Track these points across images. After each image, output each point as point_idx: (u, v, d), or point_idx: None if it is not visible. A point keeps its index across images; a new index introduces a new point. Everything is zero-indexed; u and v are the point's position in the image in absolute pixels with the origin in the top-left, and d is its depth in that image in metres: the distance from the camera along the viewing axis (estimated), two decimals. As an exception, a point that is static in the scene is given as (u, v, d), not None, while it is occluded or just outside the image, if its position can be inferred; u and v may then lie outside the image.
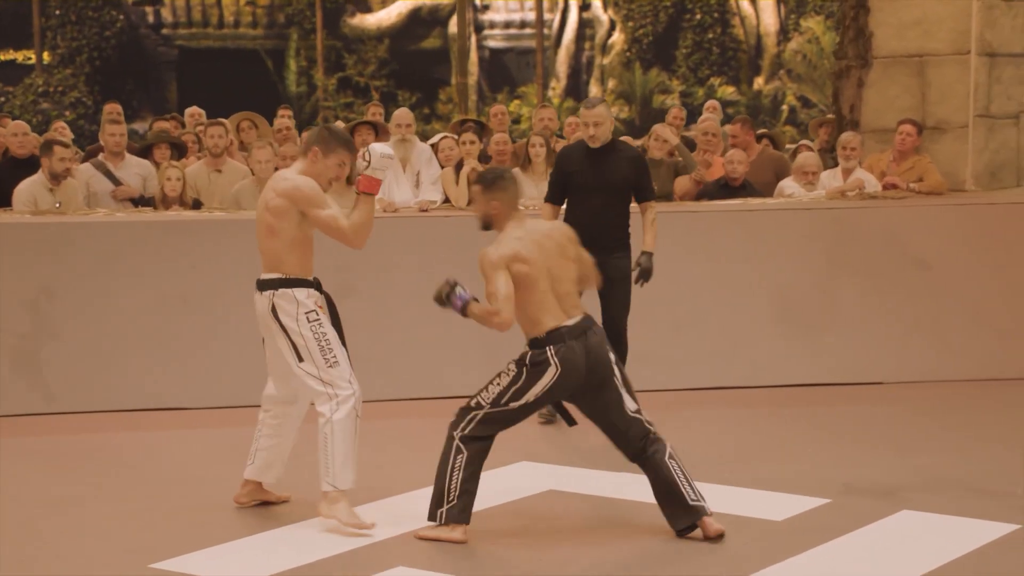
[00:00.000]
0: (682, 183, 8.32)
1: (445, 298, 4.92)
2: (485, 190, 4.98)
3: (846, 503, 5.28)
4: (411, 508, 5.23)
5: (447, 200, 7.96)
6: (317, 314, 4.90)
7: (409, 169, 7.94)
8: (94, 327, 7.11)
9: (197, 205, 7.81)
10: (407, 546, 4.81)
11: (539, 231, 5.00)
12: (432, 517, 4.87)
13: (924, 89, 8.75)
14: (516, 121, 17.71)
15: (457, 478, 4.86)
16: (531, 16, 20.50)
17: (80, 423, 6.80)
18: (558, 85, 20.78)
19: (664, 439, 4.95)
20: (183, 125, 9.32)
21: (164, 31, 20.54)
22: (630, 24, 20.64)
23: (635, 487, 5.50)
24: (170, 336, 7.18)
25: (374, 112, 9.80)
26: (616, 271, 6.46)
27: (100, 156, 8.12)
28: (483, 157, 8.90)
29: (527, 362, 4.85)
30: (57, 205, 7.49)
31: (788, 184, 8.47)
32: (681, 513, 4.86)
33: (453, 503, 4.86)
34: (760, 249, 7.76)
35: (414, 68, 20.14)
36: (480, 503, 5.27)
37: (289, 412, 5.16)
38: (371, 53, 19.92)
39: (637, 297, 7.35)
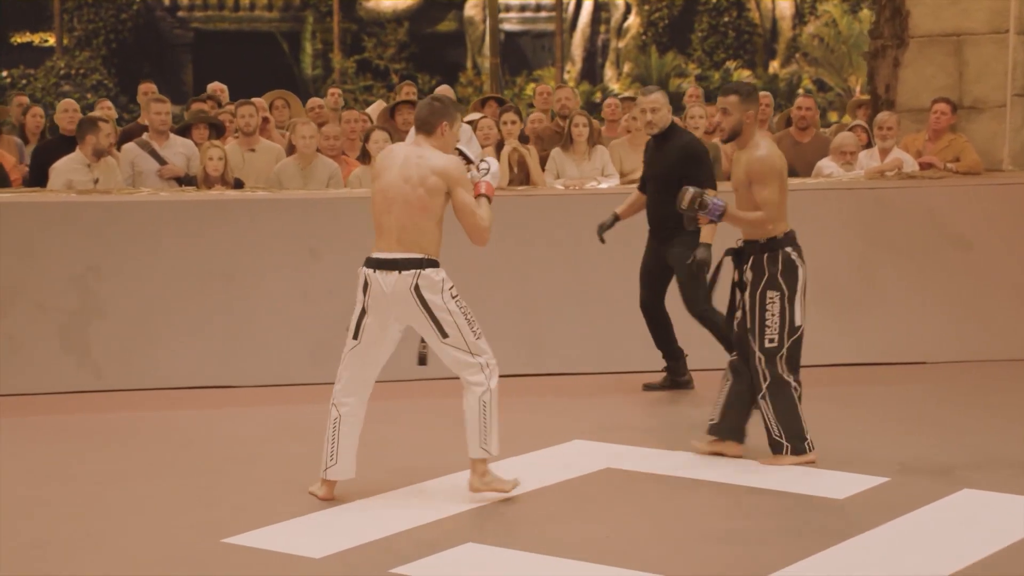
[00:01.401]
0: None
1: (698, 205, 5.27)
2: (743, 100, 5.39)
3: (905, 482, 5.27)
4: (466, 486, 5.21)
5: (488, 179, 7.95)
6: (456, 290, 4.94)
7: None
8: (141, 305, 7.12)
9: (239, 184, 7.81)
10: (474, 523, 4.82)
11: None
12: (799, 451, 5.45)
13: (961, 68, 8.74)
14: (532, 105, 17.70)
15: (801, 411, 5.43)
16: (547, -1, 20.49)
17: (129, 400, 6.81)
18: (573, 68, 20.76)
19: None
20: (220, 105, 9.31)
21: (180, 14, 20.51)
22: (646, 7, 20.62)
23: (691, 464, 5.53)
24: (216, 314, 7.19)
25: (408, 92, 9.78)
26: (670, 257, 6.59)
27: (145, 135, 8.13)
28: (520, 137, 8.90)
29: (780, 270, 5.36)
30: (95, 182, 7.50)
31: (826, 164, 8.47)
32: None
33: (808, 432, 5.46)
34: (799, 229, 7.56)
35: (431, 51, 20.12)
36: (537, 481, 5.31)
37: (359, 405, 5.11)
38: (391, 36, 19.89)
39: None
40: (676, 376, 6.92)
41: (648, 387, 6.95)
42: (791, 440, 5.45)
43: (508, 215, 7.55)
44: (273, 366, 7.18)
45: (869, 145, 8.71)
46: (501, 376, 7.01)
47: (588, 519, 4.89)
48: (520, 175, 8.01)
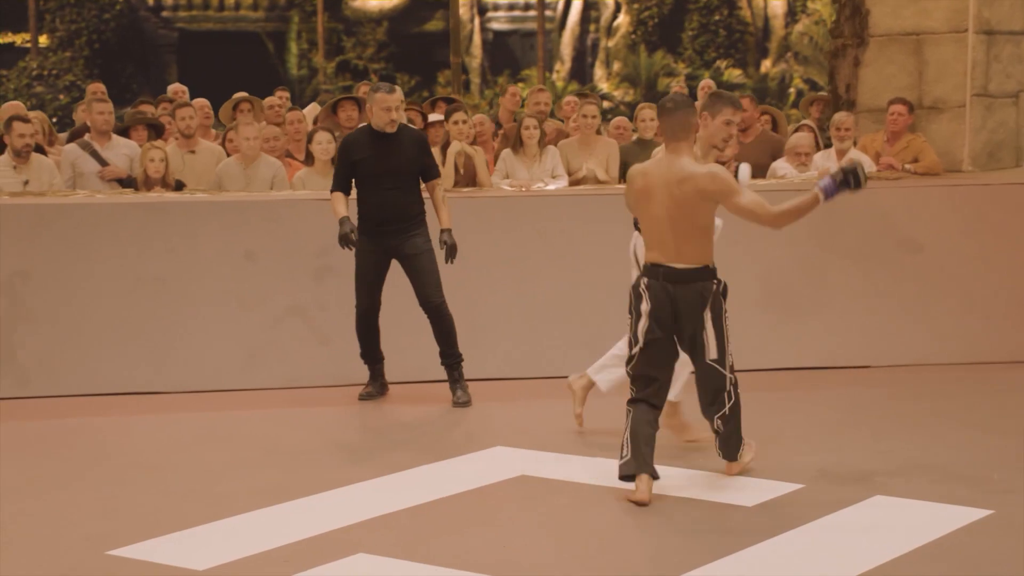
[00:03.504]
0: None
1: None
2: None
3: (819, 488, 5.18)
4: (373, 495, 5.15)
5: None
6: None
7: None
8: (70, 310, 7.02)
9: (180, 186, 7.72)
10: (369, 533, 4.71)
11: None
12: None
13: (921, 68, 8.58)
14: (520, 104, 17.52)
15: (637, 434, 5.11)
16: (535, -2, 20.33)
17: (55, 408, 6.71)
18: (562, 67, 20.61)
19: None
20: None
21: (164, 14, 20.42)
22: (635, 6, 20.43)
23: (605, 472, 5.40)
24: (148, 319, 7.08)
25: (364, 91, 9.67)
26: (413, 248, 6.56)
27: (87, 136, 8.04)
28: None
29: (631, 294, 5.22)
30: (25, 183, 7.40)
31: (781, 165, 8.33)
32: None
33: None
34: (749, 231, 7.51)
35: (415, 50, 19.97)
36: (449, 488, 5.23)
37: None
38: (369, 36, 19.76)
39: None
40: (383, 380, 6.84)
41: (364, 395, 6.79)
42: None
43: (455, 214, 7.44)
44: (204, 371, 7.07)
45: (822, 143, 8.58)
46: (433, 381, 6.96)
47: (488, 528, 4.78)
48: (466, 176, 7.89)
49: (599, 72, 20.59)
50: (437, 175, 6.73)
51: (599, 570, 4.37)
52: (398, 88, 6.55)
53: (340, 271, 7.23)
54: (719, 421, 5.25)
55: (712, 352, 5.17)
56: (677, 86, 11.19)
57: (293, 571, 4.31)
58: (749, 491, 5.14)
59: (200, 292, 7.14)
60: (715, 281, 5.19)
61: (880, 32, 8.65)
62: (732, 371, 5.24)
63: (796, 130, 8.75)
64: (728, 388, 5.22)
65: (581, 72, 20.70)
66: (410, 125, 7.01)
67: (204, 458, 5.77)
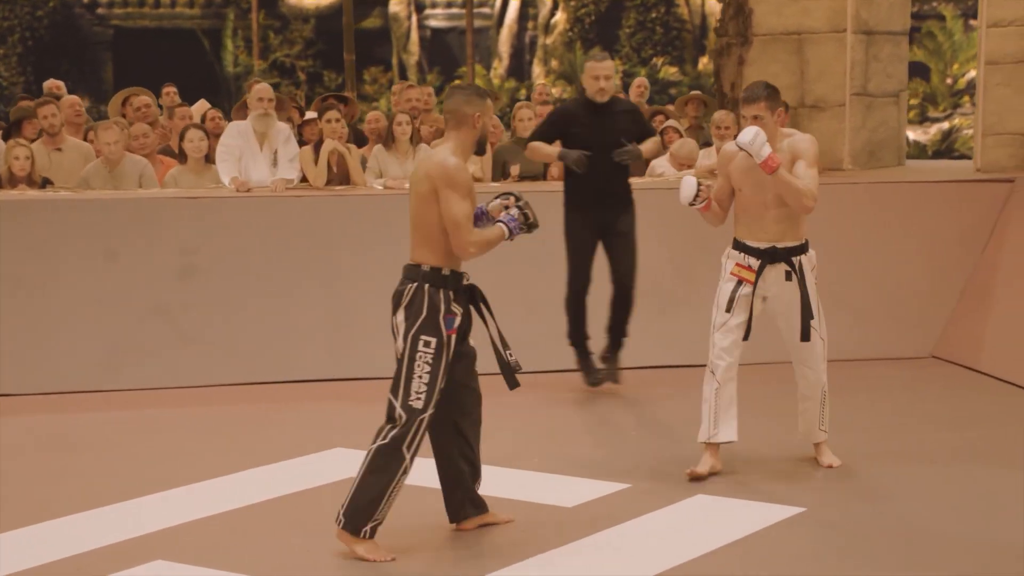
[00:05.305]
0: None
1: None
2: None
3: (645, 488, 5.19)
4: (190, 499, 5.11)
5: (304, 179, 7.85)
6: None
7: (267, 147, 7.81)
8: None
9: (46, 184, 7.68)
10: (172, 539, 4.67)
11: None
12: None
13: (803, 67, 8.63)
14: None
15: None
16: (474, -5, 20.33)
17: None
18: (500, 65, 20.60)
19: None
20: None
21: (99, 11, 20.34)
22: (572, 3, 20.45)
23: (434, 472, 5.38)
24: (6, 319, 7.02)
25: (250, 87, 9.64)
26: (623, 225, 6.64)
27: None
28: (359, 135, 8.80)
29: None
30: None
31: (660, 163, 8.35)
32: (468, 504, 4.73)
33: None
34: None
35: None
36: (274, 490, 5.19)
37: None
38: (297, 33, 19.71)
39: (488, 278, 7.23)
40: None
41: (596, 382, 6.78)
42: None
43: (322, 214, 7.45)
44: (64, 373, 7.01)
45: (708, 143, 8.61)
46: (308, 381, 6.92)
47: (300, 532, 4.74)
48: (339, 175, 7.88)
49: (537, 69, 20.62)
50: (654, 133, 6.90)
51: (405, 571, 4.36)
52: (608, 57, 6.69)
53: (204, 270, 7.23)
54: (364, 461, 4.41)
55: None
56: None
57: (82, 577, 4.28)
58: (572, 491, 5.14)
59: (61, 292, 7.09)
60: (416, 283, 4.38)
61: (763, 31, 8.70)
62: (411, 412, 4.38)
63: (663, 132, 8.79)
64: (394, 427, 4.39)
65: (519, 69, 20.72)
66: (619, 97, 7.12)
67: (37, 462, 5.72)
